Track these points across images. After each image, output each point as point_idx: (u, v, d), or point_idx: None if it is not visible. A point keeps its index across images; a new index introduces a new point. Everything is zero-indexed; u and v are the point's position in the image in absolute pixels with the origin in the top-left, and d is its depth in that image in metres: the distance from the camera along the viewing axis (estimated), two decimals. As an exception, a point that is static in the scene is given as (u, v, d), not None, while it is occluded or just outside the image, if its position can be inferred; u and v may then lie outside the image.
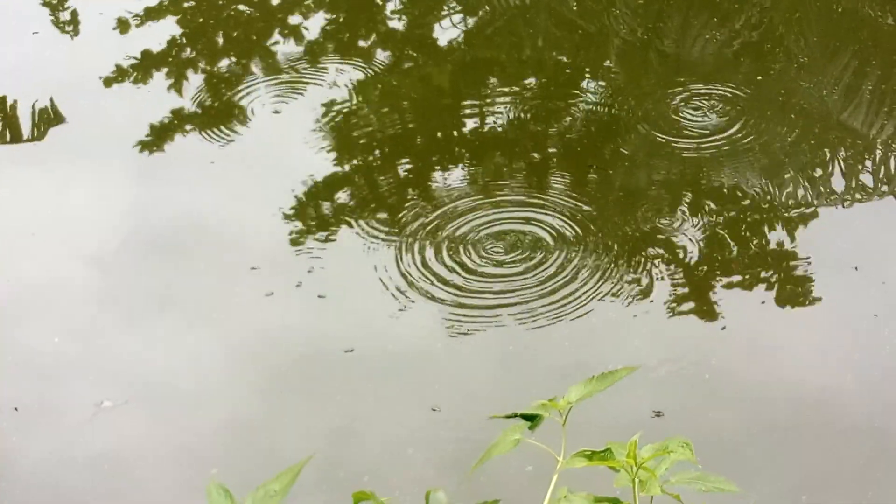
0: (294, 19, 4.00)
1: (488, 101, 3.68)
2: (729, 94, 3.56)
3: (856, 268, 2.95)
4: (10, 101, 3.57)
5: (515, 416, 1.52)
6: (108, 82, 3.69)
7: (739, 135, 3.43)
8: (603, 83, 3.74)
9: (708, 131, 3.46)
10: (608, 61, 3.87)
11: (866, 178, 3.31)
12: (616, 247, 3.13)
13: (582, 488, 1.40)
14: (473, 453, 1.51)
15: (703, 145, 3.45)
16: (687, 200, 3.27)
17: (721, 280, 2.99)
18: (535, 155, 3.47)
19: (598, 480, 1.51)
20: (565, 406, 1.46)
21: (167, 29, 3.95)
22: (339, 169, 3.35)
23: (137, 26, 3.94)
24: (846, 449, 2.47)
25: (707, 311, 2.87)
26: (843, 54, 3.83)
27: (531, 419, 1.49)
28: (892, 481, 2.40)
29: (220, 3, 4.18)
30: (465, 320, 2.89)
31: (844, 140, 3.49)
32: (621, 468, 1.35)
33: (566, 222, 3.13)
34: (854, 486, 2.42)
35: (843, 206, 3.21)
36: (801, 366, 2.72)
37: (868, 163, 3.36)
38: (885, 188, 3.27)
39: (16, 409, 2.61)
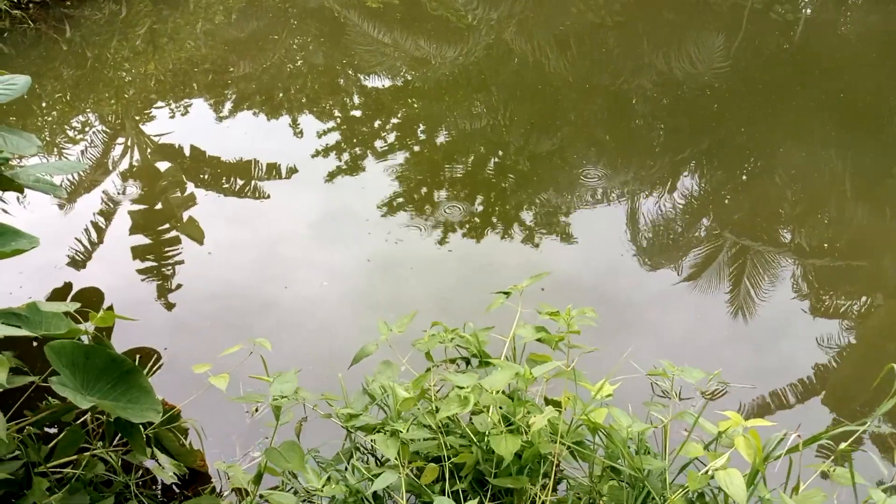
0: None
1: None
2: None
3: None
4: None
5: (500, 292, 2.64)
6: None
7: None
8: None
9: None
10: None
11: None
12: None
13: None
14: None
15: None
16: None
17: (528, 224, 5.12)
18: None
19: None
20: (521, 288, 2.64)
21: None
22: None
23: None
24: (585, 298, 4.37)
25: (528, 237, 5.06)
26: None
27: (507, 294, 2.63)
28: (607, 318, 3.82)
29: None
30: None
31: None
32: (560, 318, 2.41)
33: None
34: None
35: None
36: (569, 266, 4.76)
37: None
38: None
39: (210, 252, 4.92)
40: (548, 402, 2.36)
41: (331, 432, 2.82)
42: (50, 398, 2.84)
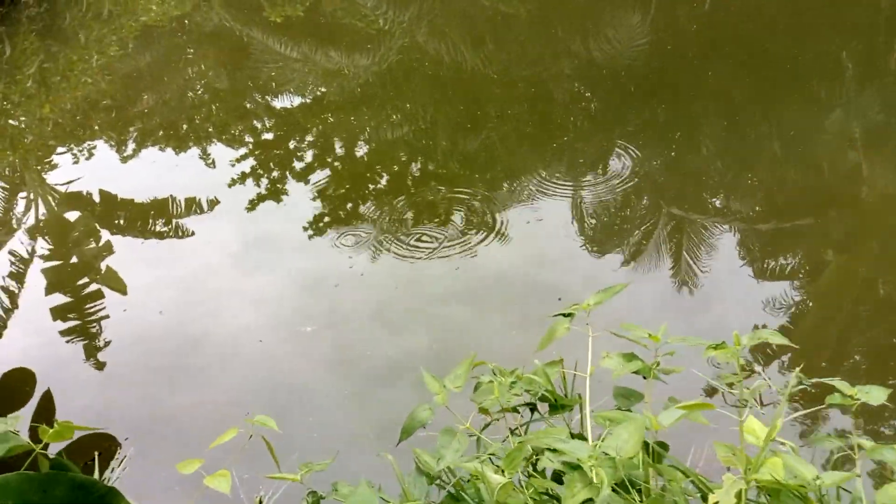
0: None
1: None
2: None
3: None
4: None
5: (560, 314, 2.01)
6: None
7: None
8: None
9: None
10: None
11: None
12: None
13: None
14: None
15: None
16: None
17: (461, 225, 4.95)
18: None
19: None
20: (588, 307, 1.98)
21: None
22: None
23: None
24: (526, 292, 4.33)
25: (463, 240, 4.81)
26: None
27: (568, 315, 2.00)
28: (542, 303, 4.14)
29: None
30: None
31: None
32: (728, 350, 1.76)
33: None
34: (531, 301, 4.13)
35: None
36: (533, 267, 4.58)
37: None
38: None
39: (160, 312, 4.35)
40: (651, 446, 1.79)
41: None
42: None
